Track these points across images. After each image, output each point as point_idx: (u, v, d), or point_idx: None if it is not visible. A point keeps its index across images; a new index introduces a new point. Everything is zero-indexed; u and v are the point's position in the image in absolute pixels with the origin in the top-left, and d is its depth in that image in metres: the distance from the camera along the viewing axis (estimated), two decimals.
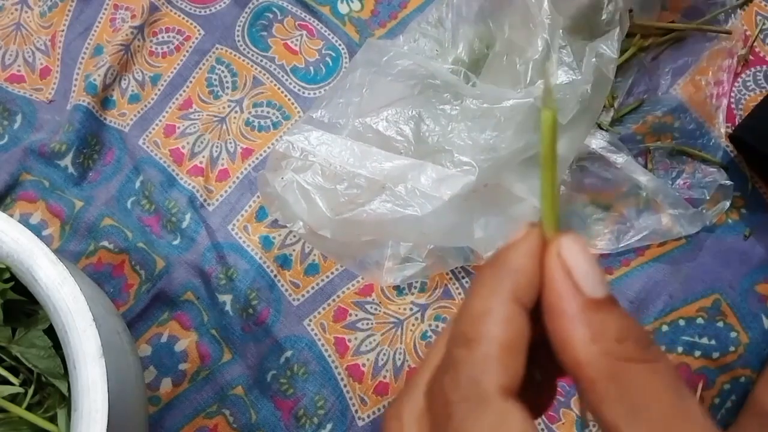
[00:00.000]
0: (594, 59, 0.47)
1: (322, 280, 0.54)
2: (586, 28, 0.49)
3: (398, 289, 0.53)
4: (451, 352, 0.18)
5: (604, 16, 0.49)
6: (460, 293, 0.52)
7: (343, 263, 0.53)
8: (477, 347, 0.17)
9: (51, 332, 0.38)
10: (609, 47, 0.47)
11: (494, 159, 0.45)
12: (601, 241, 0.51)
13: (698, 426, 0.17)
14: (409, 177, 0.46)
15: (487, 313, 0.18)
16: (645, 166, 0.54)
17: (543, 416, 0.49)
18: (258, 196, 0.56)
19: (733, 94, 0.57)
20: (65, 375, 0.37)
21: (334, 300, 0.53)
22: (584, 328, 0.17)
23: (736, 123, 0.56)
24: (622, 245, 0.51)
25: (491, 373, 0.17)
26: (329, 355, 0.51)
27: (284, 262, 0.54)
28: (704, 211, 0.52)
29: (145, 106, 0.60)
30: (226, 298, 0.53)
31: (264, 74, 0.60)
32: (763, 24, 0.58)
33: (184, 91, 0.60)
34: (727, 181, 0.52)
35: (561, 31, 0.47)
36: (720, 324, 0.50)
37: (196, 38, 0.61)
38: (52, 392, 0.39)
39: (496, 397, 0.17)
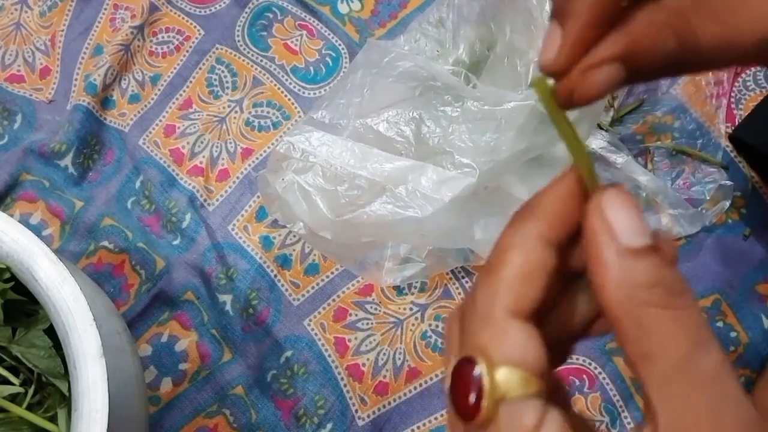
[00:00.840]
0: None
1: (322, 280, 0.54)
2: None
3: (398, 289, 0.53)
4: (477, 277, 0.21)
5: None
6: (460, 293, 0.52)
7: (343, 264, 0.53)
8: (495, 273, 0.20)
9: (51, 332, 0.38)
10: None
11: (495, 161, 0.45)
12: None
13: (707, 378, 0.18)
14: (410, 178, 0.46)
15: (509, 246, 0.20)
16: (645, 166, 0.54)
17: None
18: (258, 196, 0.56)
19: (733, 94, 0.57)
20: (65, 375, 0.37)
21: (334, 300, 0.53)
22: (614, 273, 0.18)
23: (736, 123, 0.56)
24: None
25: (502, 296, 0.20)
26: (329, 355, 0.51)
27: (284, 262, 0.54)
28: (704, 211, 0.52)
29: (145, 106, 0.60)
30: (226, 298, 0.53)
31: (264, 74, 0.60)
32: None
33: (184, 91, 0.60)
34: (727, 182, 0.52)
35: None
36: (720, 324, 0.50)
37: (196, 38, 0.61)
38: (52, 392, 0.39)
39: (502, 315, 0.19)
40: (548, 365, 0.20)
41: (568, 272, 0.22)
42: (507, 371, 0.19)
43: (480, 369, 0.19)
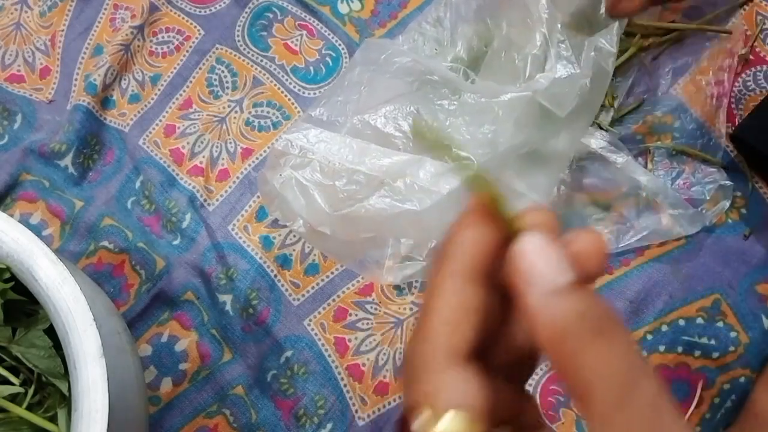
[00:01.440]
0: (593, 53, 0.47)
1: (322, 280, 0.54)
2: (584, 23, 0.49)
3: (398, 289, 0.53)
4: (417, 317, 0.21)
5: (602, 11, 0.49)
6: None
7: (343, 262, 0.53)
8: (427, 320, 0.20)
9: (51, 332, 0.38)
10: (607, 41, 0.47)
11: (493, 153, 0.45)
12: None
13: (647, 410, 0.18)
14: (408, 172, 0.46)
15: (435, 290, 0.21)
16: (645, 166, 0.54)
17: (544, 416, 0.49)
18: (258, 196, 0.56)
19: (733, 94, 0.57)
20: (65, 375, 0.37)
21: (334, 300, 0.53)
22: (543, 317, 0.18)
23: (737, 123, 0.56)
24: (622, 245, 0.51)
25: (436, 342, 0.20)
26: (329, 355, 0.51)
27: (284, 262, 0.54)
28: (704, 211, 0.52)
29: (145, 106, 0.60)
30: (226, 298, 0.53)
31: (264, 74, 0.60)
32: (764, 24, 0.58)
33: (184, 91, 0.60)
34: (727, 182, 0.52)
35: (559, 26, 0.47)
36: (720, 324, 0.50)
37: (196, 38, 0.61)
38: (52, 392, 0.39)
39: (440, 361, 0.20)
40: (491, 403, 0.20)
41: (507, 291, 0.21)
42: (451, 416, 0.19)
43: (423, 417, 0.19)
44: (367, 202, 0.47)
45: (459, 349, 0.20)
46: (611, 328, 0.18)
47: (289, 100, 0.59)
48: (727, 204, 0.52)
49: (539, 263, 0.19)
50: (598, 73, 0.47)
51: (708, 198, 0.52)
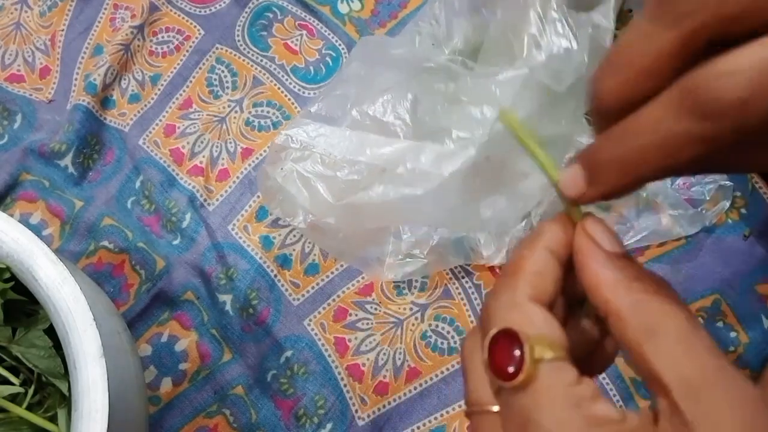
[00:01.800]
0: (590, 30, 0.46)
1: (322, 280, 0.54)
2: (581, 1, 0.49)
3: (398, 289, 0.53)
4: (495, 284, 0.24)
5: None
6: (459, 293, 0.52)
7: (344, 260, 0.53)
8: (513, 272, 0.24)
9: (51, 332, 0.38)
10: (605, 17, 0.47)
11: (493, 131, 0.45)
12: None
13: (706, 340, 0.20)
14: (408, 158, 0.46)
15: (522, 255, 0.24)
16: None
17: None
18: (258, 196, 0.56)
19: None
20: (65, 375, 0.37)
21: (334, 300, 0.53)
22: (608, 272, 0.22)
23: None
24: None
25: (522, 288, 0.23)
26: (329, 355, 0.51)
27: (284, 262, 0.54)
28: (704, 211, 0.52)
29: (145, 105, 0.60)
30: (226, 298, 0.53)
31: (264, 74, 0.60)
32: None
33: (184, 90, 0.60)
34: (727, 182, 0.52)
35: (554, 4, 0.47)
36: (720, 324, 0.50)
37: (196, 38, 0.61)
38: (52, 392, 0.39)
39: (524, 300, 0.23)
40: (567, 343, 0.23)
41: (569, 300, 0.26)
42: (539, 338, 0.21)
43: (518, 337, 0.21)
44: (369, 190, 0.47)
45: (542, 297, 0.23)
46: (667, 289, 0.22)
47: (289, 99, 0.59)
48: (727, 204, 0.52)
49: (601, 234, 0.23)
50: (595, 49, 0.46)
51: (708, 198, 0.52)
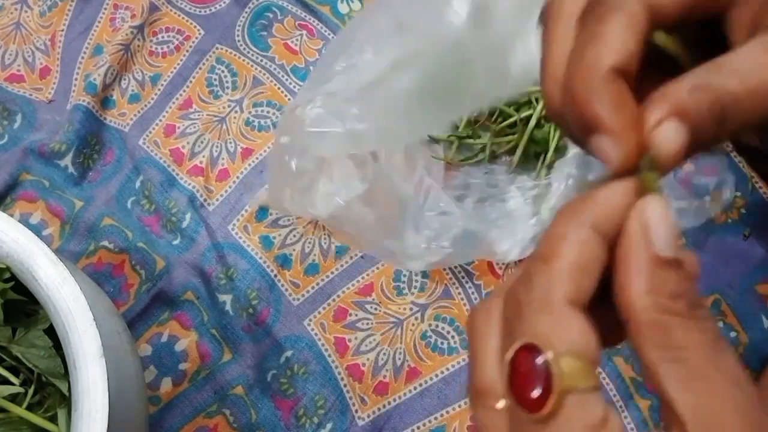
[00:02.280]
0: None
1: (322, 280, 0.54)
2: None
3: (398, 289, 0.53)
4: (528, 266, 0.20)
5: None
6: (459, 293, 0.52)
7: (363, 249, 0.52)
8: (551, 262, 0.20)
9: (51, 332, 0.38)
10: None
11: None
12: None
13: (729, 377, 0.18)
14: None
15: (564, 235, 0.20)
16: None
17: None
18: (258, 196, 0.56)
19: None
20: (65, 375, 0.37)
21: (334, 300, 0.53)
22: (644, 279, 0.19)
23: None
24: None
25: (560, 285, 0.19)
26: (329, 355, 0.51)
27: (284, 262, 0.54)
28: (708, 203, 0.52)
29: (145, 105, 0.60)
30: (226, 298, 0.53)
31: (264, 74, 0.60)
32: None
33: (184, 90, 0.60)
34: (729, 173, 0.52)
35: None
36: (720, 324, 0.50)
37: (196, 38, 0.61)
38: (52, 392, 0.39)
39: (561, 303, 0.19)
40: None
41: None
42: (572, 361, 0.18)
43: (546, 357, 0.18)
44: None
45: (581, 298, 0.19)
46: (702, 312, 0.19)
47: (289, 100, 0.59)
48: (731, 195, 0.51)
49: (659, 226, 0.19)
50: None
51: (711, 189, 0.52)
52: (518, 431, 0.19)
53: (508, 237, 0.49)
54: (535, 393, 0.18)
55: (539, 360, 0.18)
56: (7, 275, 0.38)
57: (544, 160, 0.53)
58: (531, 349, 0.19)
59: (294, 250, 0.55)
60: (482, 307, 0.22)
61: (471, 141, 0.55)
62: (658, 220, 0.19)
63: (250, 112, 0.59)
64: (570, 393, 0.18)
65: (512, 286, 0.21)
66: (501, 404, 0.20)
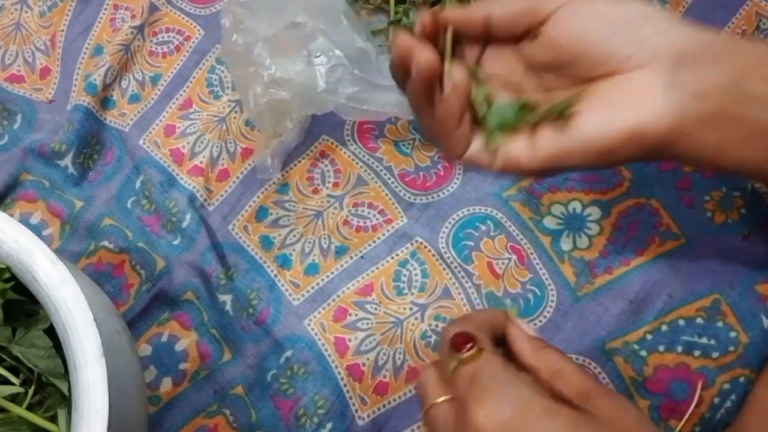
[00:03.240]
0: None
1: (322, 280, 0.54)
2: None
3: (398, 289, 0.53)
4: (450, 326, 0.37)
5: None
6: (459, 293, 0.52)
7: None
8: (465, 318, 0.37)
9: (51, 332, 0.38)
10: None
11: None
12: None
13: (585, 371, 0.33)
14: None
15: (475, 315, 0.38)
16: None
17: None
18: (258, 197, 0.56)
19: None
20: (66, 375, 0.37)
21: (334, 300, 0.53)
22: (528, 345, 0.35)
23: None
24: None
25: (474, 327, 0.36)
26: (329, 355, 0.52)
27: (284, 262, 0.54)
28: None
29: (145, 106, 0.60)
30: (226, 298, 0.53)
31: None
32: (763, 24, 0.58)
33: (184, 91, 0.60)
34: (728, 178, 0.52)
35: None
36: (720, 324, 0.50)
37: (196, 38, 0.61)
38: (52, 392, 0.39)
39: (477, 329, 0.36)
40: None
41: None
42: (483, 339, 0.35)
43: (471, 335, 0.34)
44: None
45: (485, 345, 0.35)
46: (551, 349, 0.35)
47: None
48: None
49: (524, 328, 0.38)
50: None
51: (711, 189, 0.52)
52: (458, 375, 0.33)
53: None
54: (468, 345, 0.33)
55: (467, 340, 0.33)
56: (7, 275, 0.38)
57: None
58: (463, 335, 0.34)
59: (294, 250, 0.55)
60: (426, 368, 0.35)
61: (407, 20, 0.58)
62: (522, 327, 0.36)
63: None
64: (483, 351, 0.33)
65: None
66: (444, 399, 0.33)
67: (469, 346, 0.32)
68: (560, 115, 0.35)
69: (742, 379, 0.48)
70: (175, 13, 0.62)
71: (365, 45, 0.52)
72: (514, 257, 0.53)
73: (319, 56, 0.51)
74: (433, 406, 0.33)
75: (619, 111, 0.34)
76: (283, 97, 0.51)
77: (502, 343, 0.36)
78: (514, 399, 0.30)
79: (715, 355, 0.49)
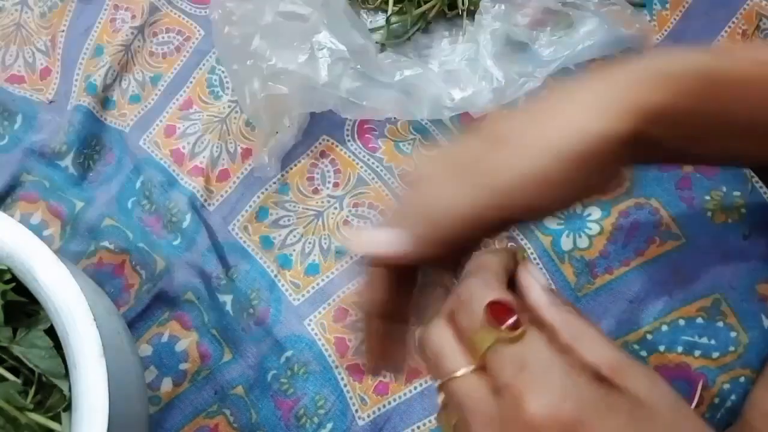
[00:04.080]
0: None
1: (322, 280, 0.54)
2: None
3: None
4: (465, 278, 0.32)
5: None
6: None
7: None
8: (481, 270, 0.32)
9: (52, 332, 0.38)
10: None
11: None
12: None
13: (608, 338, 0.29)
14: None
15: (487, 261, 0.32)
16: None
17: None
18: (258, 197, 0.56)
19: None
20: (66, 375, 0.37)
21: (334, 300, 0.53)
22: (545, 298, 0.30)
23: None
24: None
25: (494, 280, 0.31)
26: (329, 355, 0.52)
27: (284, 262, 0.54)
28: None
29: (146, 106, 0.60)
30: (226, 298, 0.53)
31: None
32: (764, 23, 0.58)
33: (185, 91, 0.60)
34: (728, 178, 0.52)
35: None
36: (720, 324, 0.50)
37: (197, 39, 0.62)
38: (53, 392, 0.39)
39: (499, 286, 0.31)
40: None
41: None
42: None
43: (509, 304, 0.29)
44: None
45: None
46: (572, 306, 0.31)
47: None
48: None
49: (537, 277, 0.32)
50: None
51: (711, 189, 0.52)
52: (500, 356, 0.28)
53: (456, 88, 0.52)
54: (511, 321, 0.28)
55: (505, 310, 0.29)
56: (8, 276, 0.38)
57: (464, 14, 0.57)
58: (497, 304, 0.29)
59: (294, 250, 0.55)
60: (433, 326, 0.30)
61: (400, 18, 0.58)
62: (533, 274, 0.32)
63: None
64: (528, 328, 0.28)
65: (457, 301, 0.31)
66: (470, 369, 0.28)
67: (511, 322, 0.28)
68: None
69: (742, 379, 0.48)
70: (175, 14, 0.62)
71: (365, 42, 0.52)
72: None
73: (322, 49, 0.51)
74: (456, 379, 0.28)
75: None
76: (282, 92, 0.51)
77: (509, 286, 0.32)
78: (574, 394, 0.26)
79: (715, 355, 0.49)
